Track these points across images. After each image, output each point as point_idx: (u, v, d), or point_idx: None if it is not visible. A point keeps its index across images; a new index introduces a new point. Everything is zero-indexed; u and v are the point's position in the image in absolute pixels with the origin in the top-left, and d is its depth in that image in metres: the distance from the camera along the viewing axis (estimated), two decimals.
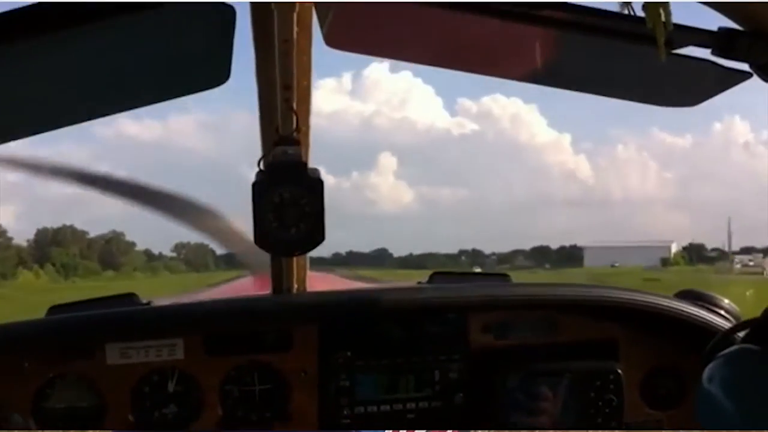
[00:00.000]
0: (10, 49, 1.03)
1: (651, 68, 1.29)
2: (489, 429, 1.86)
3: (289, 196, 1.37)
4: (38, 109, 1.33)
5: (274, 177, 1.38)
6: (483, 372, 1.88)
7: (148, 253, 53.19)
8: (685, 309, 1.90)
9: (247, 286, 3.33)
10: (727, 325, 1.87)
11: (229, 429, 1.79)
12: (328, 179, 1.46)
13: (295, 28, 1.12)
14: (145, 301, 1.88)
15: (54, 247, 48.74)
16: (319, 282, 2.25)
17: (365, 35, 1.30)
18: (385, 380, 1.85)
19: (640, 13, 1.02)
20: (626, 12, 1.08)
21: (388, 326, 1.88)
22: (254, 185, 1.38)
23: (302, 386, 1.82)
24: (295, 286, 1.91)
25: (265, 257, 1.85)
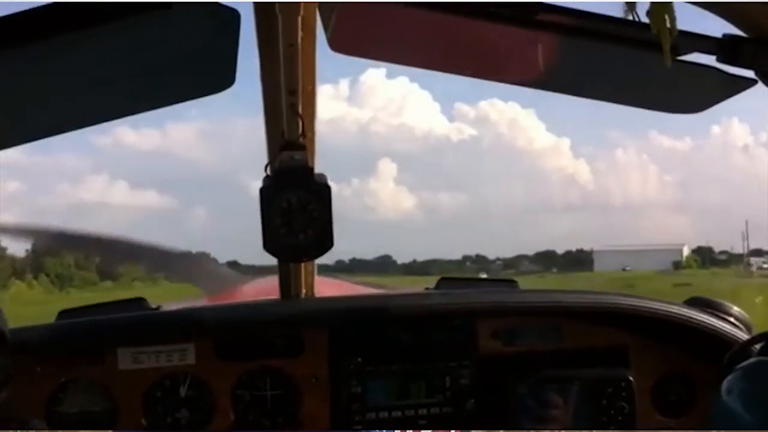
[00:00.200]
0: (14, 53, 1.06)
1: (655, 75, 1.32)
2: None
3: (297, 201, 1.40)
4: (43, 114, 1.37)
5: (281, 182, 1.41)
6: (493, 378, 1.92)
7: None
8: (695, 316, 1.94)
9: (255, 290, 3.38)
10: (737, 332, 1.91)
11: None
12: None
13: (300, 33, 1.14)
14: (154, 306, 1.93)
15: (49, 257, 48.66)
16: (326, 287, 2.30)
17: (369, 39, 1.33)
18: (396, 386, 1.90)
19: (645, 19, 1.05)
20: (631, 18, 1.10)
21: (398, 332, 1.92)
22: (261, 190, 1.41)
23: (313, 392, 1.87)
24: (304, 291, 1.96)
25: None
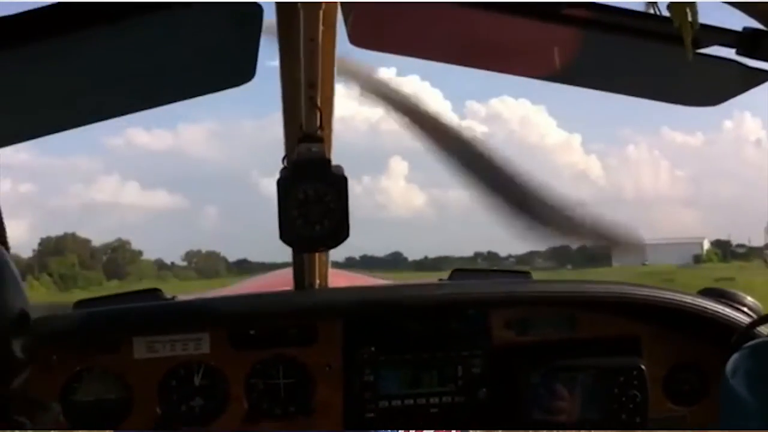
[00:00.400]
0: (37, 47, 1.12)
1: (674, 68, 1.36)
2: (511, 429, 1.95)
3: (314, 192, 1.45)
4: (65, 106, 1.44)
5: (298, 174, 1.46)
6: (505, 368, 1.97)
7: (158, 263, 53.63)
8: (708, 306, 1.97)
9: (268, 282, 3.44)
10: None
11: (254, 422, 1.89)
12: None
13: (321, 27, 1.19)
14: (169, 296, 1.99)
15: (52, 257, 48.90)
16: (340, 279, 2.35)
17: (389, 34, 1.37)
18: (408, 375, 1.95)
19: (665, 13, 1.07)
20: (651, 11, 1.13)
21: (411, 322, 1.98)
22: (279, 182, 1.45)
23: (327, 380, 1.92)
24: (318, 281, 2.01)
25: None
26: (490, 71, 1.54)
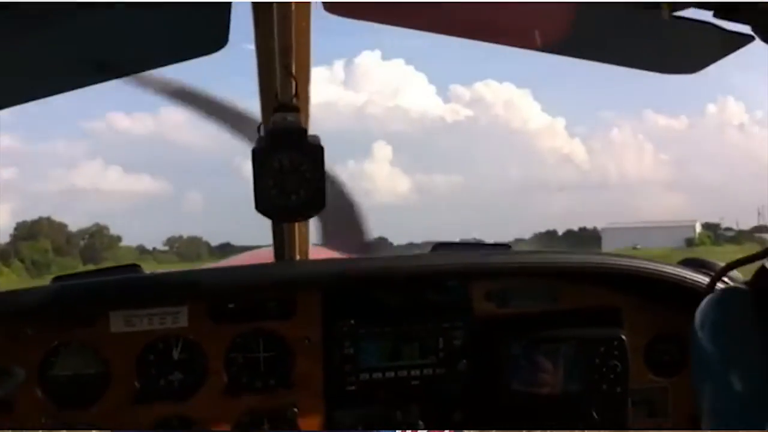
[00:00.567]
0: (7, 16, 1.11)
1: (652, 35, 1.38)
2: (492, 400, 2.00)
3: (289, 162, 1.46)
4: (36, 77, 1.43)
5: (273, 143, 1.47)
6: (486, 339, 2.01)
7: (139, 248, 53.30)
8: (688, 276, 2.01)
9: (250, 259, 3.45)
10: None
11: (233, 395, 1.92)
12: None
13: None
14: (148, 272, 2.01)
15: (25, 242, 48.22)
16: (321, 254, 2.38)
17: (362, 1, 1.36)
18: (389, 348, 1.99)
19: None
20: None
21: (391, 294, 2.01)
22: (254, 151, 1.47)
23: (306, 353, 1.96)
24: (298, 255, 2.04)
25: None
26: (468, 39, 1.55)
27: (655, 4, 1.09)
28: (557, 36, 1.49)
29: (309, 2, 1.32)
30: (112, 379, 1.88)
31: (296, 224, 1.97)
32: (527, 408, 1.99)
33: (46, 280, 2.00)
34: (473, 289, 2.05)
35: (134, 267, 2.01)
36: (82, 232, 54.84)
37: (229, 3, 1.25)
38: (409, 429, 1.98)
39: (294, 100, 1.46)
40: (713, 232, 55.47)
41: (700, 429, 1.13)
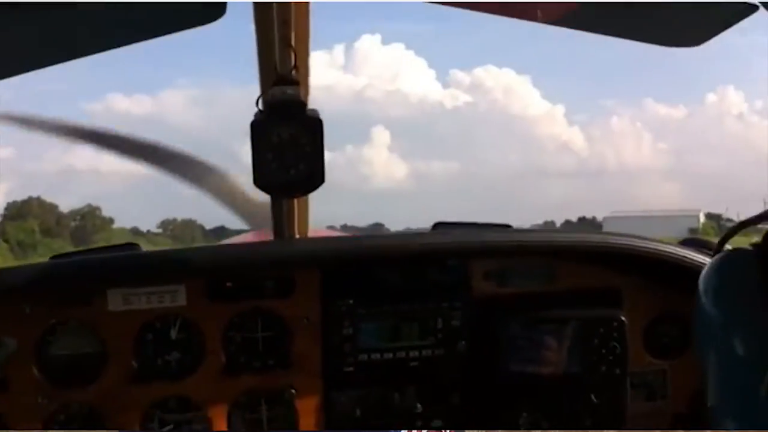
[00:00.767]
0: None
1: (654, 6, 1.39)
2: (490, 380, 2.03)
3: (288, 136, 1.48)
4: (40, 44, 1.45)
5: (272, 116, 1.48)
6: (485, 319, 2.04)
7: (133, 230, 53.21)
8: (689, 256, 2.03)
9: (249, 238, 3.47)
10: None
11: (232, 375, 1.95)
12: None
13: None
14: (146, 251, 2.03)
15: (12, 222, 47.76)
16: (321, 234, 2.39)
17: None
18: (388, 328, 2.02)
19: None
20: None
21: (390, 273, 2.04)
22: (252, 125, 1.48)
23: (305, 333, 1.98)
24: (297, 234, 2.06)
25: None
26: (464, 9, 1.54)
27: None
28: (562, 8, 1.50)
29: None
30: (110, 358, 1.91)
31: (295, 202, 1.98)
32: (526, 389, 2.03)
33: (30, 261, 2.01)
34: (472, 268, 2.07)
35: (132, 246, 2.03)
36: (73, 213, 54.68)
37: None
38: (406, 411, 2.02)
39: (293, 73, 1.47)
40: (716, 222, 55.53)
41: (698, 411, 1.14)
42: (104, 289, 1.89)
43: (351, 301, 2.00)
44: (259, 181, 1.51)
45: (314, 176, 1.52)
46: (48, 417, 1.86)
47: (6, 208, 51.15)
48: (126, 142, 3.87)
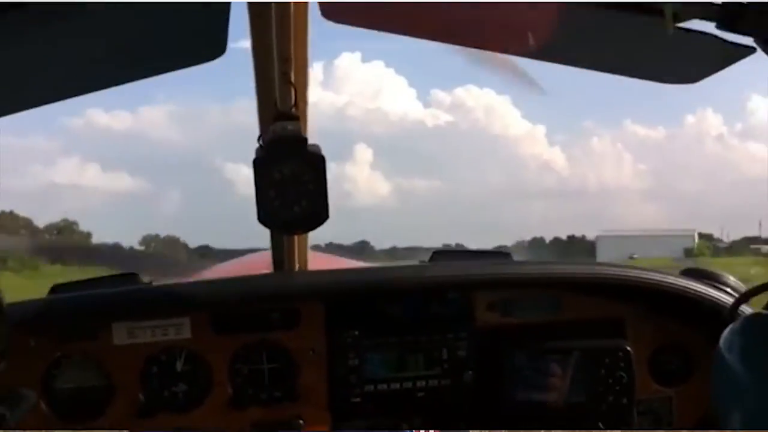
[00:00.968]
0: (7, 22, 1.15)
1: (653, 44, 1.44)
2: (497, 411, 2.07)
3: (290, 172, 1.49)
4: (33, 85, 1.48)
5: (274, 153, 1.50)
6: (490, 350, 2.09)
7: (115, 247, 52.60)
8: (691, 286, 2.10)
9: (245, 266, 3.50)
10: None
11: (238, 408, 1.99)
12: None
13: None
14: (146, 280, 2.07)
15: None
16: (319, 261, 2.43)
17: (362, 8, 1.40)
18: (393, 359, 2.06)
19: None
20: None
21: (394, 305, 2.08)
22: (255, 162, 1.51)
23: (311, 365, 2.03)
24: (297, 264, 2.10)
25: None
26: (467, 47, 1.59)
27: (657, 12, 1.14)
28: (558, 44, 1.53)
29: (307, 9, 1.35)
30: (116, 391, 1.94)
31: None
32: (532, 419, 2.06)
33: None
34: (476, 299, 2.12)
35: (133, 276, 2.07)
36: (49, 228, 54.09)
37: (228, 6, 1.28)
38: None
39: (293, 110, 1.49)
40: (709, 241, 56.16)
41: None
42: (109, 322, 1.93)
43: (356, 332, 2.04)
44: (263, 218, 1.53)
45: (318, 213, 1.53)
46: None
47: None
48: None
